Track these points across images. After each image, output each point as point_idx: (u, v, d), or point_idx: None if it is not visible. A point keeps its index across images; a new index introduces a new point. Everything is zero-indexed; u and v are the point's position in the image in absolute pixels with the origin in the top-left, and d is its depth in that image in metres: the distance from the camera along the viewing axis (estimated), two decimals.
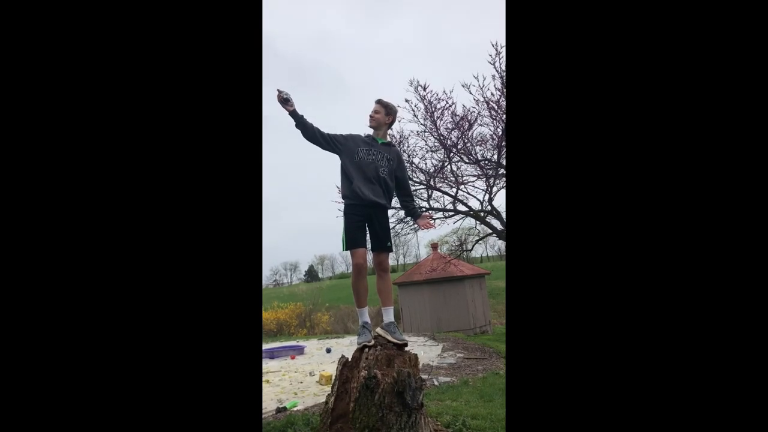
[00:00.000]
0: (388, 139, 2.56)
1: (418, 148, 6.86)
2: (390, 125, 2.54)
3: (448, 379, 4.75)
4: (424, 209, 6.88)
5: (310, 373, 5.75)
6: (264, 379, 5.67)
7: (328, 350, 7.93)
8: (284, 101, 2.19)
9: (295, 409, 3.84)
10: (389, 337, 2.15)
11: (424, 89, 6.21)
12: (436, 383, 4.49)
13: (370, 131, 2.47)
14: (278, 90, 2.19)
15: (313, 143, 2.32)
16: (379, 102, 2.43)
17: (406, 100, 6.34)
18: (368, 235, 2.38)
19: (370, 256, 2.58)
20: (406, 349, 2.15)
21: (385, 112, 2.43)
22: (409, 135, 6.83)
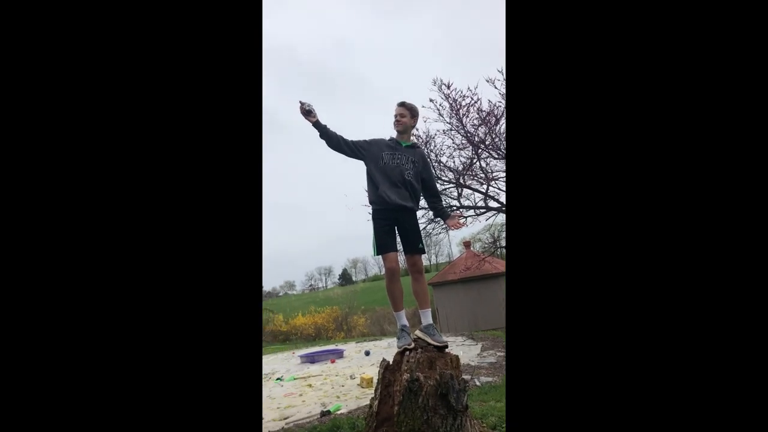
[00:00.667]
0: (412, 140, 2.56)
1: (446, 147, 6.81)
2: (413, 127, 2.54)
3: (489, 378, 4.68)
4: (454, 208, 6.81)
5: (351, 377, 5.82)
6: (306, 383, 5.79)
7: (367, 353, 7.99)
8: (307, 113, 2.23)
9: (338, 412, 3.90)
10: (429, 340, 2.15)
11: (448, 87, 6.17)
12: (477, 383, 4.44)
13: (393, 134, 2.47)
14: (300, 102, 2.23)
15: (338, 152, 2.35)
16: (402, 105, 2.42)
17: (431, 100, 6.31)
18: (399, 238, 2.39)
19: (402, 258, 2.60)
20: (447, 350, 2.14)
21: (411, 115, 2.43)
22: (436, 134, 6.79)
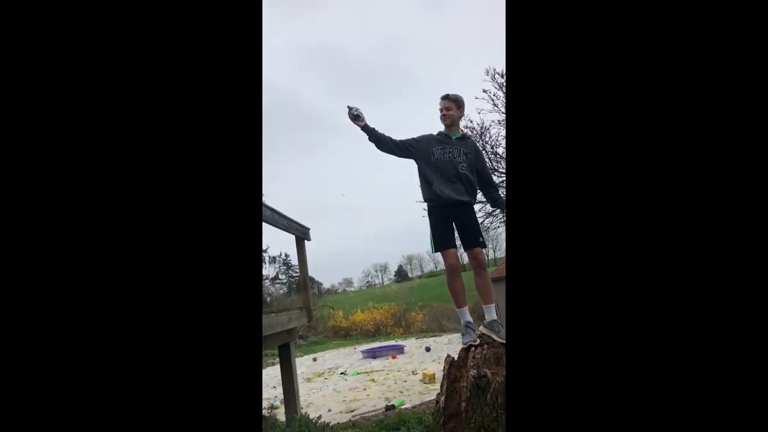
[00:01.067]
0: (462, 131, 2.50)
1: (501, 138, 6.60)
2: (461, 118, 2.48)
3: None
4: None
5: (413, 372, 5.85)
6: (369, 378, 5.92)
7: (428, 349, 7.99)
8: (355, 117, 2.26)
9: (402, 407, 3.95)
10: (494, 336, 2.10)
11: (502, 76, 5.96)
12: None
13: (442, 128, 2.42)
14: (348, 107, 2.26)
15: (388, 153, 2.34)
16: (446, 98, 2.36)
17: (484, 90, 6.15)
18: (457, 234, 2.35)
19: (461, 253, 2.55)
20: None
21: (456, 106, 2.37)
22: (491, 125, 6.60)
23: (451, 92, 2.42)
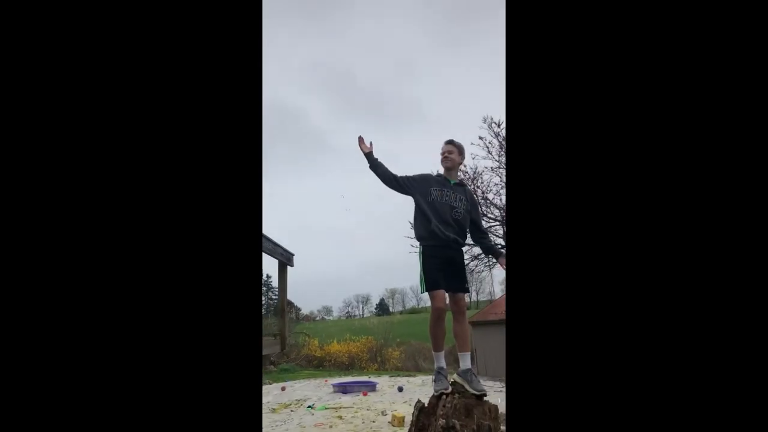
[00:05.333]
0: (459, 178, 2.57)
1: (493, 184, 6.75)
2: (461, 164, 2.56)
3: None
4: (499, 245, 6.65)
5: (383, 413, 5.65)
6: (337, 414, 5.70)
7: (400, 389, 7.77)
8: (361, 140, 2.35)
9: None
10: (467, 386, 2.07)
11: (498, 126, 6.17)
12: None
13: (439, 170, 2.50)
14: (360, 137, 2.35)
15: (388, 186, 2.39)
16: (450, 143, 2.45)
17: (480, 138, 6.34)
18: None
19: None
20: (485, 398, 2.05)
21: (458, 152, 2.45)
22: (483, 171, 6.76)
23: (453, 135, 2.52)
